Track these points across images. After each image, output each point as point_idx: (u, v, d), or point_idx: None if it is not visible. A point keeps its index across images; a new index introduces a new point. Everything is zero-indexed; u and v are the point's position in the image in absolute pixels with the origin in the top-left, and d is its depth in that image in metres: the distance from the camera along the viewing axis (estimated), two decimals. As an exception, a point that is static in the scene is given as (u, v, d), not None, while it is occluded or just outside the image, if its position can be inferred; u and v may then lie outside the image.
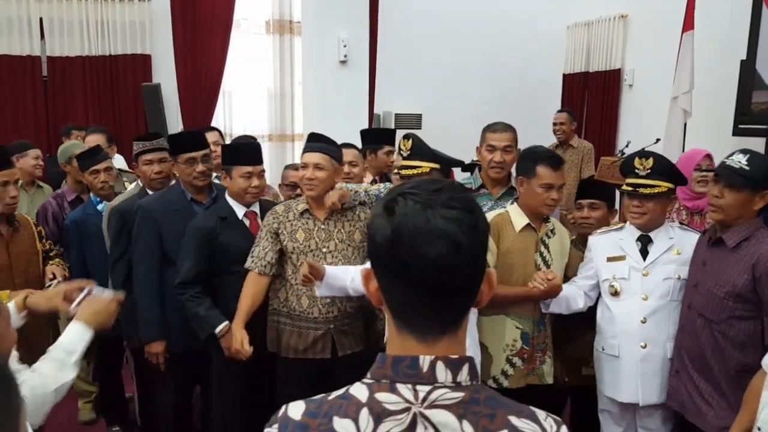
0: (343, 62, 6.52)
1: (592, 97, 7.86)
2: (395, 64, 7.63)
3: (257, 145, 3.27)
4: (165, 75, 7.16)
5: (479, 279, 1.02)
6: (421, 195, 0.99)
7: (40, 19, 6.82)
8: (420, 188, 1.01)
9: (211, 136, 4.06)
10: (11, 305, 2.07)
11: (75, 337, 1.96)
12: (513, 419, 1.00)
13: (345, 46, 6.47)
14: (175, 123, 7.19)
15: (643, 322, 2.76)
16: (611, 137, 7.53)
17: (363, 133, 4.63)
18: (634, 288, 2.79)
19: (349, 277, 2.74)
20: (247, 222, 3.14)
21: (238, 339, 2.85)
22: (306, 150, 3.04)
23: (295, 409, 1.05)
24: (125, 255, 3.29)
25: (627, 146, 6.27)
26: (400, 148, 2.80)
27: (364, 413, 0.99)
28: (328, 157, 2.97)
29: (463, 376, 1.00)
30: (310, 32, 6.60)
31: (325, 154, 2.97)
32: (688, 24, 5.67)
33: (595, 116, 7.76)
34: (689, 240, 2.78)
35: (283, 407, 1.06)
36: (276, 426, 1.05)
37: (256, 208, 3.18)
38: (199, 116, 7.21)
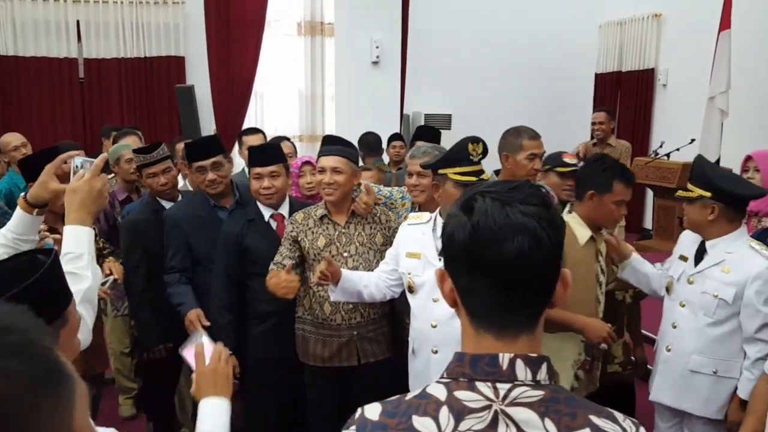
0: (375, 63, 6.54)
1: (625, 97, 7.79)
2: (425, 65, 7.64)
3: (266, 147, 3.21)
4: (198, 76, 7.24)
5: (557, 276, 1.03)
6: (498, 193, 1.01)
7: (77, 22, 6.95)
8: (496, 186, 1.03)
9: (256, 139, 4.08)
10: (18, 214, 1.92)
11: (74, 242, 1.76)
12: (594, 418, 1.00)
13: (377, 47, 6.50)
14: (208, 124, 7.27)
15: (674, 327, 2.73)
16: (645, 138, 7.46)
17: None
18: (678, 292, 2.76)
19: (363, 282, 2.72)
20: (273, 224, 3.12)
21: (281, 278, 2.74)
22: (322, 153, 2.95)
23: (372, 411, 1.06)
24: (140, 266, 3.32)
25: (661, 146, 6.22)
26: (470, 153, 2.62)
27: (444, 411, 1.00)
28: (346, 160, 2.89)
29: (542, 374, 1.01)
30: (343, 33, 6.64)
31: (342, 157, 2.89)
32: (725, 23, 5.59)
33: (628, 116, 7.69)
34: (750, 262, 2.59)
35: (359, 410, 1.08)
36: (354, 428, 1.06)
37: (284, 210, 3.14)
38: (232, 117, 7.29)
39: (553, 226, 1.00)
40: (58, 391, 0.73)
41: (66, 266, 1.69)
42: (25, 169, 2.90)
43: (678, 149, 5.86)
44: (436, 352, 2.60)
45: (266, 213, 3.11)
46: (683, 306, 2.71)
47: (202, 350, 1.65)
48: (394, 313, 3.10)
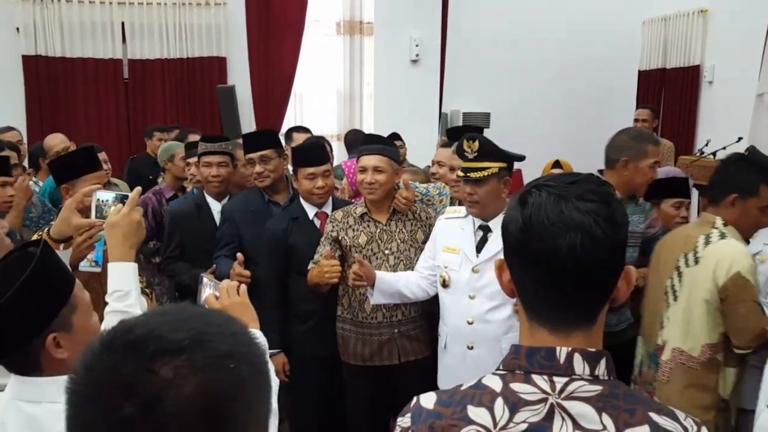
0: (414, 61, 6.53)
1: (669, 95, 7.63)
2: (464, 63, 7.55)
3: (320, 146, 3.23)
4: (239, 77, 7.31)
5: (616, 273, 1.01)
6: (555, 187, 1.00)
7: (122, 24, 7.08)
8: (555, 180, 1.02)
9: (303, 137, 4.13)
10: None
11: (121, 279, 1.79)
12: (653, 415, 0.99)
13: (417, 46, 6.48)
14: (248, 123, 7.34)
15: None
16: (690, 136, 7.29)
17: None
18: None
19: (401, 282, 2.74)
20: (317, 222, 3.14)
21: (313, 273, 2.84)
22: (364, 153, 2.97)
23: (428, 400, 1.07)
24: (175, 254, 3.41)
25: (707, 145, 6.07)
26: (464, 150, 2.61)
27: (499, 402, 1.00)
28: (387, 159, 2.91)
29: (601, 369, 0.99)
30: (383, 32, 6.63)
31: (383, 156, 2.90)
32: (775, 17, 5.44)
33: (672, 114, 7.54)
34: None
35: (415, 398, 1.09)
36: (408, 415, 1.07)
37: (327, 208, 3.17)
38: (272, 117, 7.35)
39: (612, 223, 0.98)
40: (266, 390, 0.83)
41: (115, 305, 1.76)
42: (56, 170, 2.73)
43: (724, 148, 5.69)
44: (471, 348, 2.61)
45: (311, 211, 3.13)
46: None
47: (212, 298, 1.73)
48: (432, 311, 3.10)
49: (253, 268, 3.20)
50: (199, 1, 7.19)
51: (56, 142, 4.96)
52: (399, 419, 1.08)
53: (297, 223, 3.10)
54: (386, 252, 2.92)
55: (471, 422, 1.00)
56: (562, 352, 0.99)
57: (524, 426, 0.98)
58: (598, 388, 0.98)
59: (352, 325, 2.99)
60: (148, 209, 3.90)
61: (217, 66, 7.33)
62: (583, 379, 0.98)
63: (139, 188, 1.95)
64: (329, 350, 3.06)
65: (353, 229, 2.93)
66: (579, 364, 0.99)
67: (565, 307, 1.00)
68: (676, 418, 1.00)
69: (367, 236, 2.93)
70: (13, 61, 6.80)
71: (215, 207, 3.46)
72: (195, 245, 3.37)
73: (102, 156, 4.66)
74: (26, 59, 6.83)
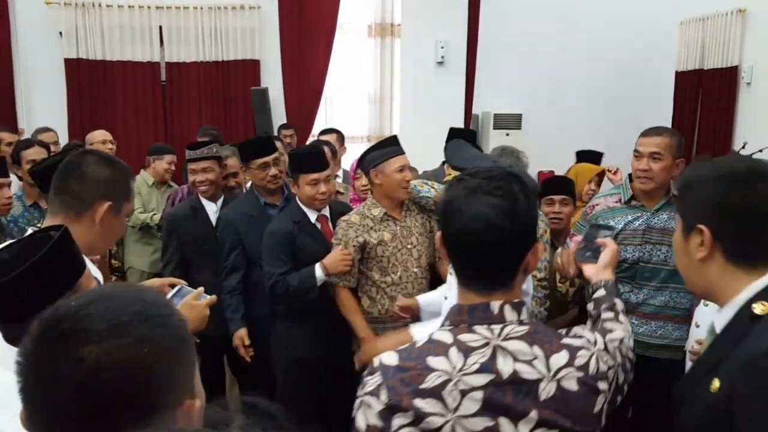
0: (440, 63, 6.54)
1: (706, 96, 7.45)
2: (495, 64, 7.52)
3: (320, 152, 3.32)
4: (272, 79, 7.43)
5: (520, 252, 1.29)
6: (472, 180, 1.27)
7: (160, 28, 7.27)
8: (476, 175, 1.28)
9: (332, 138, 4.16)
10: None
11: None
12: (566, 340, 1.30)
13: (442, 48, 6.49)
14: (280, 124, 7.45)
15: (697, 326, 2.79)
16: (727, 138, 7.11)
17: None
18: None
19: (441, 296, 2.76)
20: (318, 225, 3.23)
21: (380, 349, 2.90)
22: (397, 153, 3.08)
23: (390, 358, 1.29)
24: (173, 260, 3.52)
25: (743, 147, 5.94)
26: None
27: (453, 351, 1.25)
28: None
29: (525, 315, 1.30)
30: (409, 34, 6.66)
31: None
32: (813, 16, 5.28)
33: (709, 116, 7.35)
34: None
35: (377, 360, 1.30)
36: (378, 374, 1.27)
37: (326, 212, 3.27)
38: (303, 118, 7.45)
39: (512, 216, 1.24)
40: (187, 355, 0.94)
41: None
42: (40, 180, 2.52)
43: (761, 150, 5.56)
44: None
45: (312, 215, 3.21)
46: (706, 306, 2.69)
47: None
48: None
49: (256, 270, 3.28)
50: (234, 5, 7.34)
51: (103, 138, 5.09)
52: (367, 378, 1.26)
53: (301, 226, 3.17)
54: (409, 246, 3.07)
55: (434, 370, 1.22)
56: (495, 306, 1.27)
57: (477, 366, 1.23)
58: (525, 328, 1.28)
59: (369, 323, 3.09)
60: (177, 199, 4.07)
61: (251, 68, 7.46)
62: (513, 323, 1.27)
63: (201, 288, 2.04)
64: (331, 350, 3.15)
65: (375, 230, 3.06)
66: (509, 313, 1.28)
67: (482, 274, 1.29)
68: (581, 336, 1.33)
69: (390, 233, 3.07)
70: (56, 64, 7.07)
71: (210, 208, 3.56)
72: (193, 247, 3.46)
73: (171, 158, 4.90)
74: (68, 62, 7.09)
